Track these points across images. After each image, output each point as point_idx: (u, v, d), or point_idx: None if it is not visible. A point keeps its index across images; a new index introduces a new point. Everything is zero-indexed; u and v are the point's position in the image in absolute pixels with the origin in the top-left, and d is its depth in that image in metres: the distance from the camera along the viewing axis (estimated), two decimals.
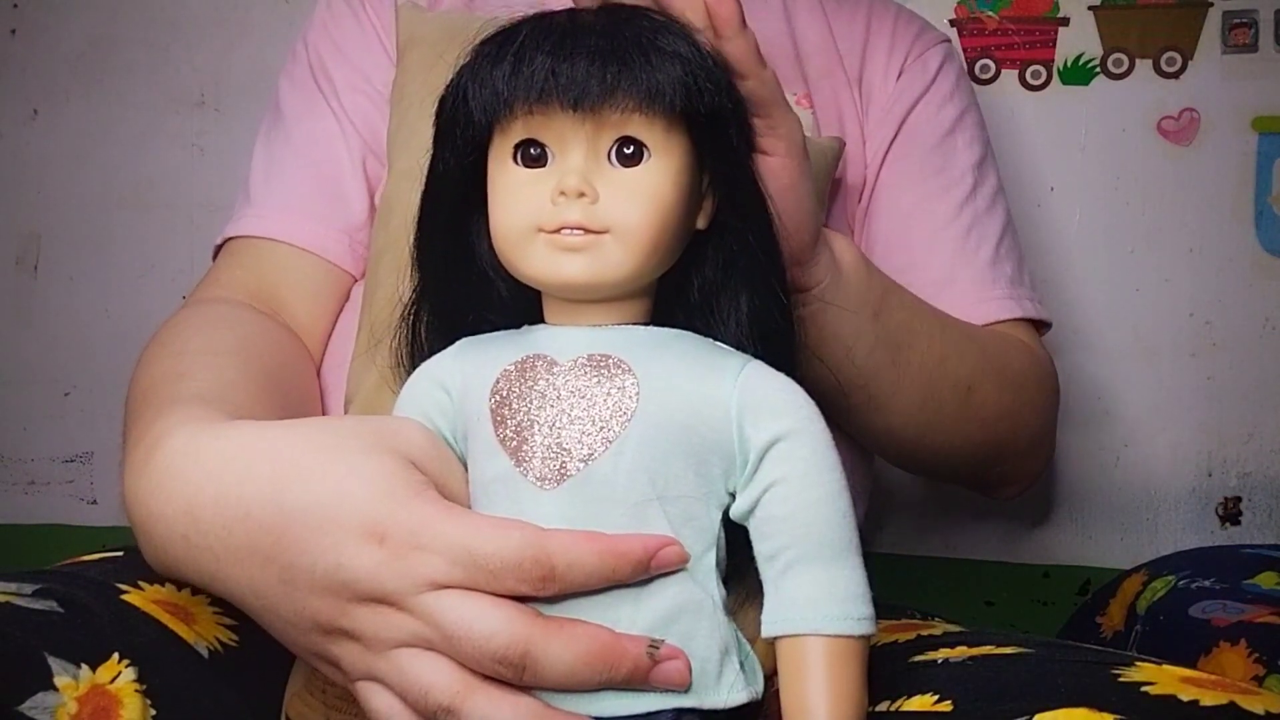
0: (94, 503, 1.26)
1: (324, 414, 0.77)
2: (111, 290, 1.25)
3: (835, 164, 0.82)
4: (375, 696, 0.48)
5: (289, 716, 0.60)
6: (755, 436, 0.48)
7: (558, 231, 0.48)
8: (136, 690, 0.51)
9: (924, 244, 0.88)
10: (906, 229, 0.88)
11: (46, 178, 1.26)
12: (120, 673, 0.51)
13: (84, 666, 0.50)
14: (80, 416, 1.25)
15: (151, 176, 1.25)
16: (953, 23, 1.16)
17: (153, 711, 0.51)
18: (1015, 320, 0.88)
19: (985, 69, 1.16)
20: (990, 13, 1.15)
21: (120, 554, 0.64)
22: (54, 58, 1.26)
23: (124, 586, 0.58)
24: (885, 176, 0.89)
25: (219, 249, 0.85)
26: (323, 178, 0.83)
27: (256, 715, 0.59)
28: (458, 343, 0.54)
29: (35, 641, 0.49)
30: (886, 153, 0.88)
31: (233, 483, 0.49)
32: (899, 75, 0.89)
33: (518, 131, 0.49)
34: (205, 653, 0.57)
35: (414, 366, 0.55)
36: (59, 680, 0.48)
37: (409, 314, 0.56)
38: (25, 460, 1.27)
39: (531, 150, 0.49)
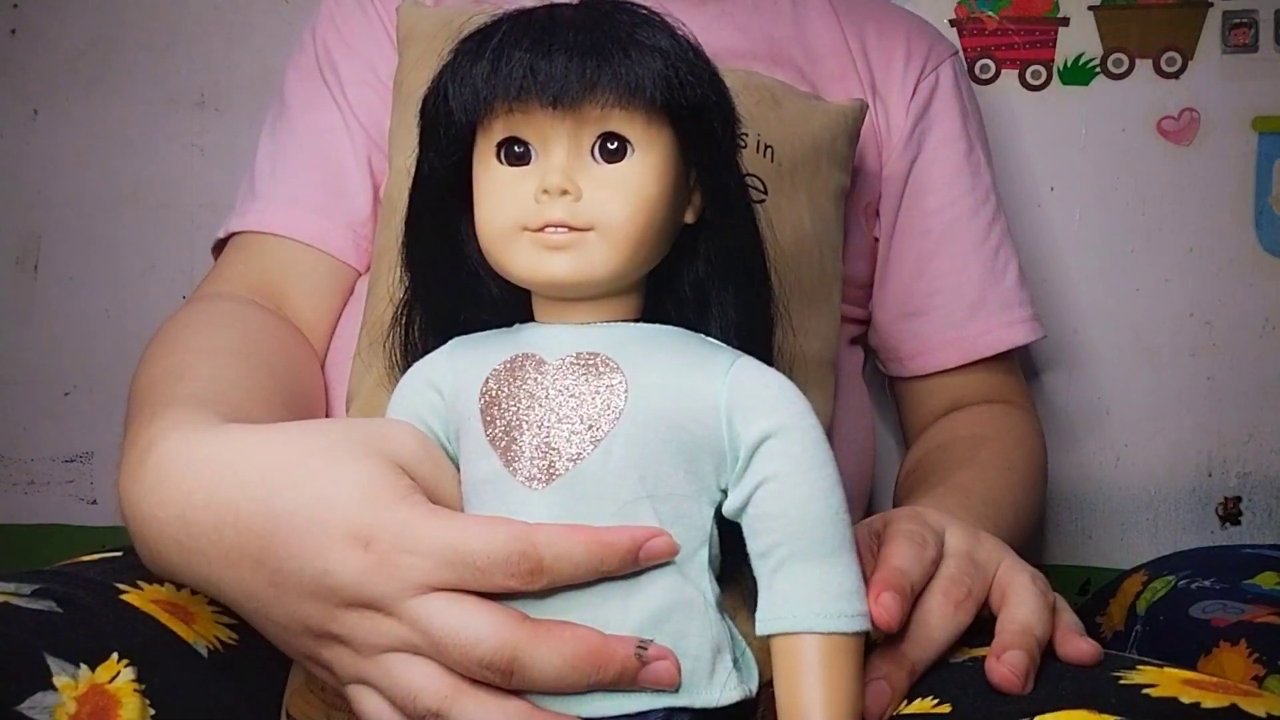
0: (94, 503, 1.25)
1: (328, 410, 0.77)
2: (111, 290, 1.25)
3: (858, 126, 0.82)
4: (366, 700, 0.48)
5: (289, 714, 0.60)
6: (745, 433, 0.48)
7: (542, 230, 0.48)
8: (135, 690, 0.50)
9: (956, 267, 0.89)
10: (936, 252, 0.89)
11: (46, 178, 1.26)
12: (119, 672, 0.51)
13: (83, 666, 0.50)
14: (80, 416, 1.25)
15: (151, 176, 1.24)
16: (953, 23, 1.15)
17: (152, 711, 0.50)
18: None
19: (985, 69, 1.15)
20: (990, 13, 1.15)
21: (120, 554, 0.64)
22: (54, 58, 1.26)
23: (123, 586, 0.58)
24: (909, 201, 0.89)
25: (223, 241, 0.85)
26: (327, 172, 0.83)
27: (256, 714, 0.59)
28: (450, 342, 0.54)
29: (34, 641, 0.49)
30: (909, 173, 0.88)
31: (223, 487, 0.49)
32: (914, 90, 0.89)
33: (499, 130, 0.49)
34: (205, 652, 0.57)
35: (408, 367, 0.55)
36: (58, 680, 0.48)
37: (401, 315, 0.56)
38: (25, 460, 1.26)
39: (515, 148, 0.49)
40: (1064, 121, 1.15)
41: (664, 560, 0.47)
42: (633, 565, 0.47)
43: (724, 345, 0.51)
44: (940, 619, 0.53)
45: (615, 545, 0.46)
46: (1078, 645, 0.53)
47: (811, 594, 0.47)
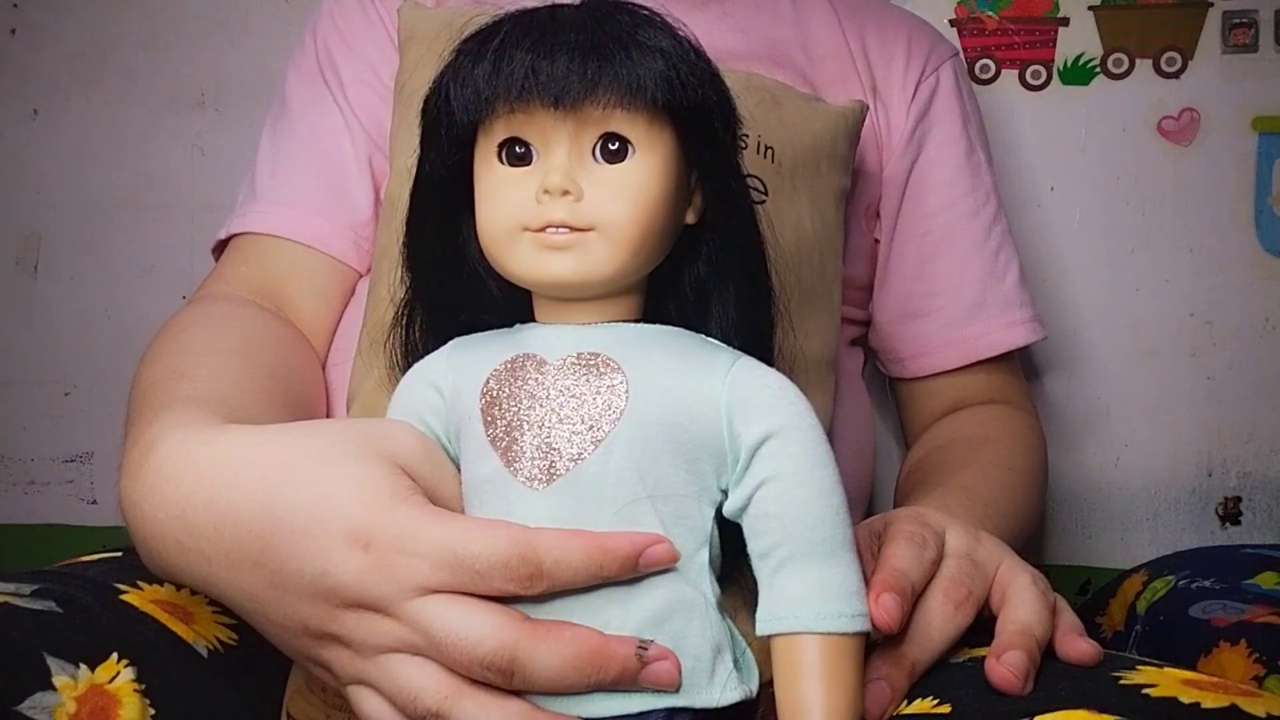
0: (94, 503, 1.25)
1: (329, 411, 0.77)
2: (111, 290, 1.25)
3: (858, 127, 0.82)
4: (366, 700, 0.48)
5: (290, 714, 0.60)
6: (745, 433, 0.48)
7: (543, 230, 0.48)
8: (135, 690, 0.51)
9: (956, 268, 0.89)
10: (937, 253, 0.89)
11: (46, 178, 1.26)
12: (119, 672, 0.51)
13: (82, 666, 0.50)
14: (80, 416, 1.25)
15: (151, 176, 1.25)
16: (953, 23, 1.15)
17: (151, 711, 0.51)
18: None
19: (985, 69, 1.15)
20: (990, 13, 1.15)
21: (120, 554, 0.64)
22: (54, 58, 1.26)
23: (123, 586, 0.58)
24: (910, 202, 0.89)
25: (224, 243, 0.85)
26: (328, 174, 0.83)
27: (256, 714, 0.59)
28: (450, 343, 0.54)
29: (34, 641, 0.49)
30: (909, 175, 0.89)
31: (223, 487, 0.49)
32: (915, 91, 0.89)
33: (500, 130, 0.49)
34: (205, 652, 0.57)
35: (408, 367, 0.55)
36: (57, 680, 0.48)
37: (402, 315, 0.56)
38: (25, 460, 1.26)
39: (516, 149, 0.49)
40: (1064, 121, 1.15)
41: (664, 567, 0.47)
42: (632, 571, 0.47)
43: (724, 346, 0.51)
44: (940, 620, 0.53)
45: (615, 551, 0.46)
46: (1078, 645, 0.53)
47: (812, 594, 0.47)
